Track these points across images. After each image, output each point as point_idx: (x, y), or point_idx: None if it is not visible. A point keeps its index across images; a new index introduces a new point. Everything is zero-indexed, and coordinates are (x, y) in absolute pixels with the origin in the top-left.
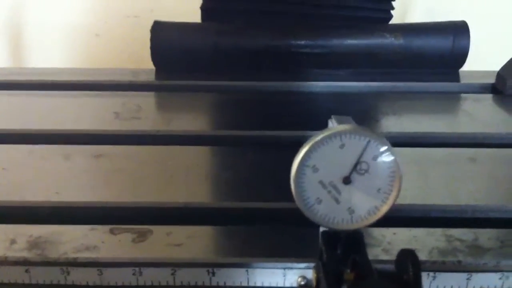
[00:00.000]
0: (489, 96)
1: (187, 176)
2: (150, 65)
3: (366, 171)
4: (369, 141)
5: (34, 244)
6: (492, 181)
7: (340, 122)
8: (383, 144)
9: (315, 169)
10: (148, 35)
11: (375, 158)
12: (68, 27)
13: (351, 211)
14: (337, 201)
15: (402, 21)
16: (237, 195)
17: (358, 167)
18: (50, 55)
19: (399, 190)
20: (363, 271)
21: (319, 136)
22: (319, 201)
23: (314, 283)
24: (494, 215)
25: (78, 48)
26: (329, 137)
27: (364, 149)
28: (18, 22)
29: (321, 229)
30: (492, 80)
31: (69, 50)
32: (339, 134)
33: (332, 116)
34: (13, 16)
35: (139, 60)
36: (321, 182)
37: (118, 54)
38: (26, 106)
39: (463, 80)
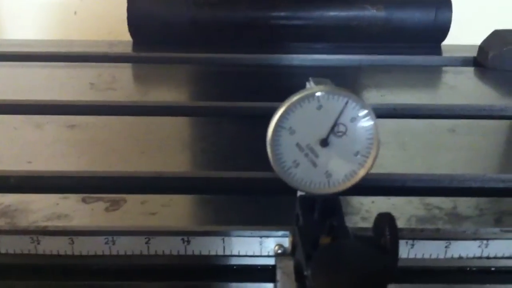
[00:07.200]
0: (471, 69)
1: (162, 146)
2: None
3: (344, 133)
4: (347, 102)
5: (3, 212)
6: (470, 151)
7: (317, 83)
8: (362, 105)
9: (291, 131)
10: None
11: (353, 120)
12: (45, 5)
13: (328, 174)
14: (314, 164)
15: None
16: (212, 165)
17: (336, 129)
18: (27, 33)
19: (377, 154)
20: (340, 235)
21: (296, 96)
22: (296, 164)
23: (290, 247)
24: (472, 184)
25: (56, 26)
26: (306, 97)
27: (342, 110)
28: None
29: (299, 193)
30: (474, 53)
31: (47, 28)
32: (316, 94)
33: (310, 78)
34: None
35: (119, 37)
36: (298, 145)
37: (97, 31)
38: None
39: (445, 53)
